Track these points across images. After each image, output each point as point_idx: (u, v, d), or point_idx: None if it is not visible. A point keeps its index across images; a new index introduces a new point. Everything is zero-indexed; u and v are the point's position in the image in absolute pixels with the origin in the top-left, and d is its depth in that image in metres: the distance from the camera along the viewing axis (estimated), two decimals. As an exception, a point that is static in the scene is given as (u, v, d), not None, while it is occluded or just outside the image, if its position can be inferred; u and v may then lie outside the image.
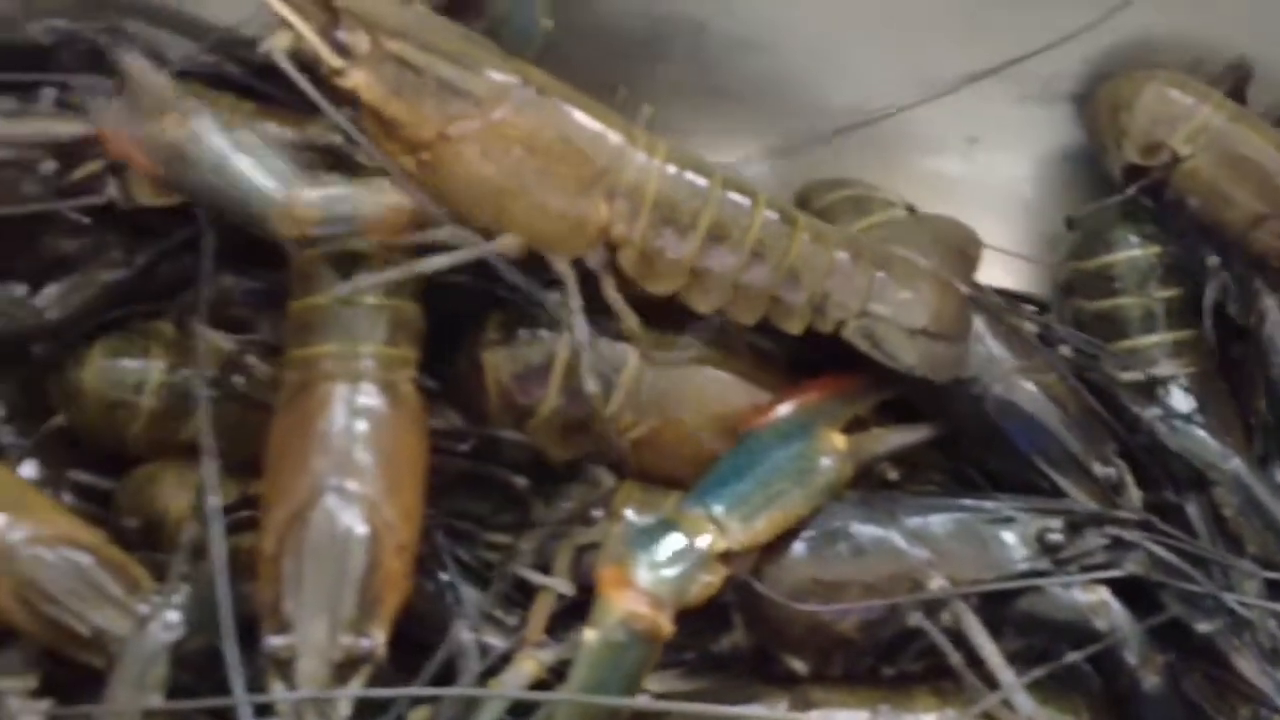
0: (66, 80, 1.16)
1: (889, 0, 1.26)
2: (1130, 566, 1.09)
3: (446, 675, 1.07)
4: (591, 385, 1.12)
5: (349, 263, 1.08)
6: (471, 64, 1.07)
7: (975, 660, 1.07)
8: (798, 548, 1.10)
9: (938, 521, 1.11)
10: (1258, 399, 1.23)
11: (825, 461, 1.11)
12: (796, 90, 1.30)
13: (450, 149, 1.06)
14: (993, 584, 1.08)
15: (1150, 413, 1.19)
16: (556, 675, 1.05)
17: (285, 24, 1.05)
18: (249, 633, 0.97)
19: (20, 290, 1.15)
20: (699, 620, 1.06)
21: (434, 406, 1.13)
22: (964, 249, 1.19)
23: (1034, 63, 1.28)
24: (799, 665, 1.11)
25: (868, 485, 1.16)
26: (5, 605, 1.04)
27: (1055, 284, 1.31)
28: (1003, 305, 1.20)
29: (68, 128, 1.11)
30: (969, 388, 1.16)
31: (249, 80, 1.19)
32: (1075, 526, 1.10)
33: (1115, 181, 1.29)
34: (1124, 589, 1.10)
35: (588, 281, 1.11)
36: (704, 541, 1.04)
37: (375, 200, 1.06)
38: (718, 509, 1.06)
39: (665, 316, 1.16)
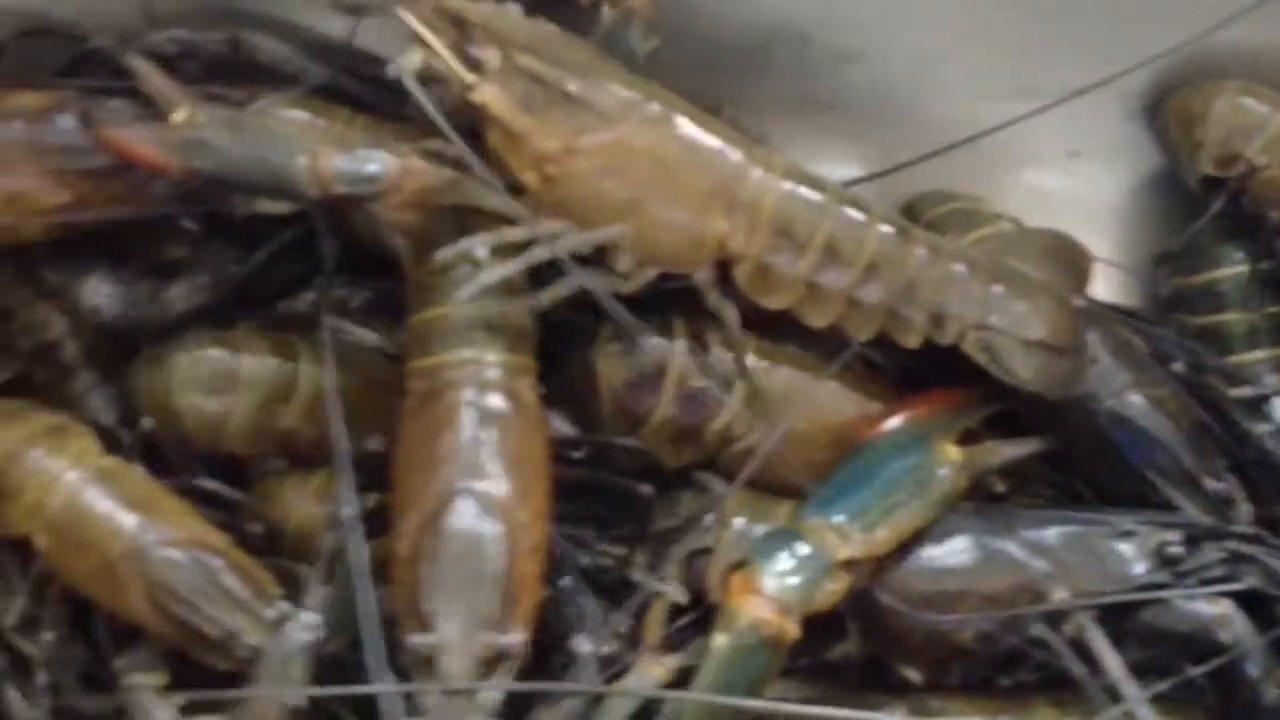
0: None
1: (992, 13, 1.28)
2: (1251, 580, 1.11)
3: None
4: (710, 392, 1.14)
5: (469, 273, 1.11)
6: (599, 79, 1.11)
7: (1095, 672, 1.09)
8: (916, 558, 1.13)
9: (1054, 534, 1.14)
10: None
11: (942, 473, 1.14)
12: (898, 102, 1.32)
13: (576, 162, 1.09)
14: (1118, 595, 1.10)
15: (1260, 427, 1.21)
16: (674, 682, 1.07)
17: (419, 41, 1.09)
18: (387, 634, 1.00)
19: (145, 286, 1.18)
20: (812, 628, 1.08)
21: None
22: (1075, 262, 1.21)
23: (1136, 77, 1.30)
24: (913, 674, 1.14)
25: (976, 497, 1.19)
26: (136, 606, 1.07)
27: (1157, 299, 1.33)
28: (1118, 318, 1.23)
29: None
30: (1082, 401, 1.18)
31: (365, 94, 1.21)
32: (1193, 540, 1.13)
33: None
34: (1240, 603, 1.12)
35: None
36: (829, 550, 1.08)
37: (395, 160, 1.08)
38: (839, 518, 1.09)
39: (773, 329, 1.19)
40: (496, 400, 1.08)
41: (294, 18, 1.23)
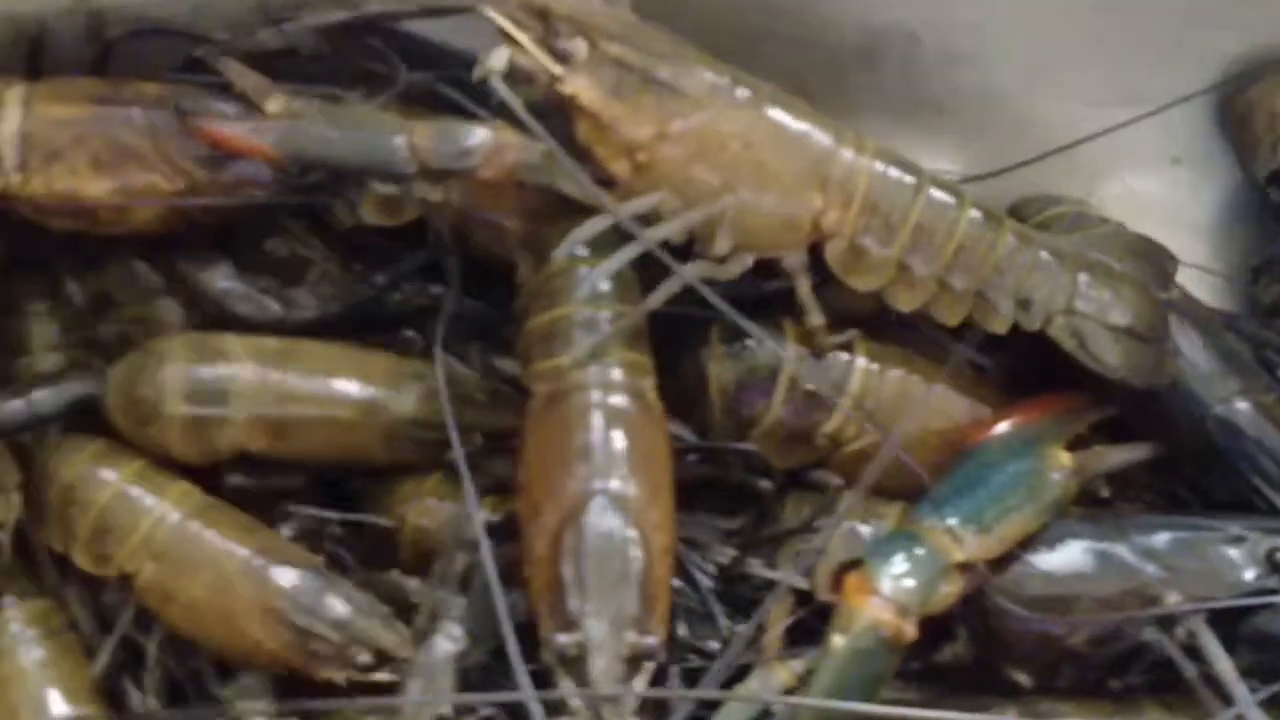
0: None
1: (1099, 18, 1.31)
2: (1364, 588, 1.14)
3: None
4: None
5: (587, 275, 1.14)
6: (685, 63, 1.13)
7: (1206, 676, 1.12)
8: (1029, 562, 1.16)
9: (1164, 539, 1.17)
10: None
11: (1055, 477, 1.17)
12: (1004, 105, 1.36)
13: (668, 149, 1.12)
14: (1231, 600, 1.13)
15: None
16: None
17: (505, 38, 1.11)
18: (526, 638, 1.03)
19: (271, 285, 1.22)
20: (921, 630, 1.11)
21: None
22: (1159, 261, 1.25)
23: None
24: (1023, 677, 1.16)
25: (1083, 502, 1.22)
26: (247, 623, 1.11)
27: (1259, 306, 1.36)
28: (1223, 324, 1.26)
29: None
30: (1190, 408, 1.21)
31: (459, 98, 1.23)
32: (1303, 547, 1.16)
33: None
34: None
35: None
36: (945, 552, 1.11)
37: (490, 134, 1.11)
38: (954, 521, 1.12)
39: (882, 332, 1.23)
40: (622, 401, 1.11)
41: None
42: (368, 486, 1.25)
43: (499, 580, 1.04)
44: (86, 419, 1.19)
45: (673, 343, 1.21)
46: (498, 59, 1.11)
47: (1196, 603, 1.14)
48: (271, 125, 1.12)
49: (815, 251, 1.17)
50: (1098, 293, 1.19)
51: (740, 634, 1.12)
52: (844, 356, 1.21)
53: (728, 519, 1.22)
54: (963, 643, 1.18)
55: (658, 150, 1.12)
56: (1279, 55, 1.33)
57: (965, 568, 1.12)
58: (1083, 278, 1.19)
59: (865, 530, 1.20)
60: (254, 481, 1.20)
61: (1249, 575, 1.15)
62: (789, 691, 1.10)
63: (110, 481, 1.15)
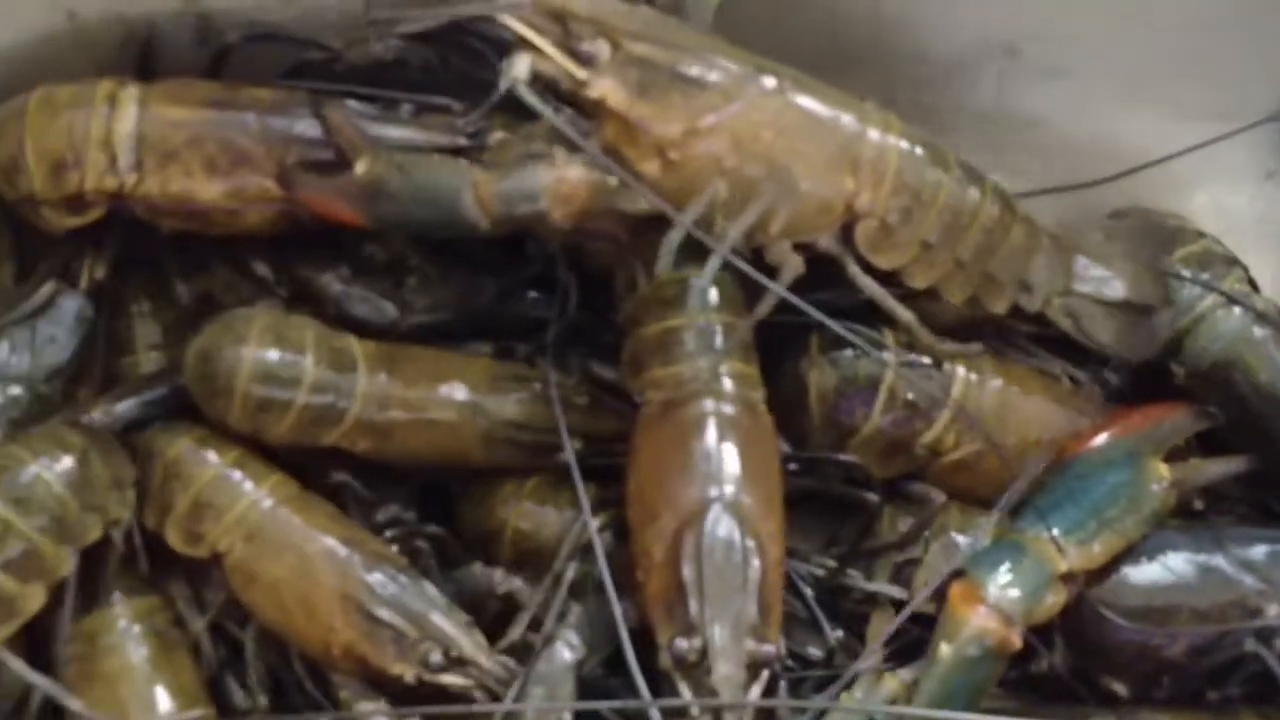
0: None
1: (1196, 35, 1.34)
2: None
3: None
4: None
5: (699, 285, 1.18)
6: (710, 55, 1.15)
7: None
8: (1128, 573, 1.19)
9: (1261, 551, 1.21)
10: None
11: (1154, 489, 1.20)
12: (1098, 117, 1.38)
13: (699, 143, 1.13)
14: (1332, 613, 1.16)
15: None
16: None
17: (525, 45, 1.12)
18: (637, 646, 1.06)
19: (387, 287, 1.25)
20: (1018, 640, 1.15)
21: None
22: (1156, 231, 1.32)
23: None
24: (1120, 688, 1.20)
25: (1177, 514, 1.25)
26: (326, 610, 1.14)
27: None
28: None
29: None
30: (1285, 421, 1.25)
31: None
32: (1400, 560, 1.19)
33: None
34: None
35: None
36: (1050, 562, 1.14)
37: (551, 172, 1.12)
38: (1057, 531, 1.16)
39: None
40: (735, 411, 1.14)
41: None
42: (465, 487, 1.28)
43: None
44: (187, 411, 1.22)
45: (770, 352, 1.23)
46: (520, 67, 1.11)
47: (1299, 614, 1.17)
48: (360, 190, 1.15)
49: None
50: (1094, 271, 1.25)
51: (843, 644, 1.15)
52: (945, 367, 1.24)
53: (822, 530, 1.25)
54: (1060, 652, 1.21)
55: (690, 147, 1.13)
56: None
57: (1068, 578, 1.15)
58: (1080, 259, 1.24)
59: (963, 541, 1.23)
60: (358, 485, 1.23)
61: (1346, 588, 1.18)
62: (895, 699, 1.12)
63: (212, 463, 1.19)
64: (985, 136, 1.37)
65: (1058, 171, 1.39)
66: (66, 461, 1.13)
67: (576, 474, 1.14)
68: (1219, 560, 1.20)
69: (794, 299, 1.15)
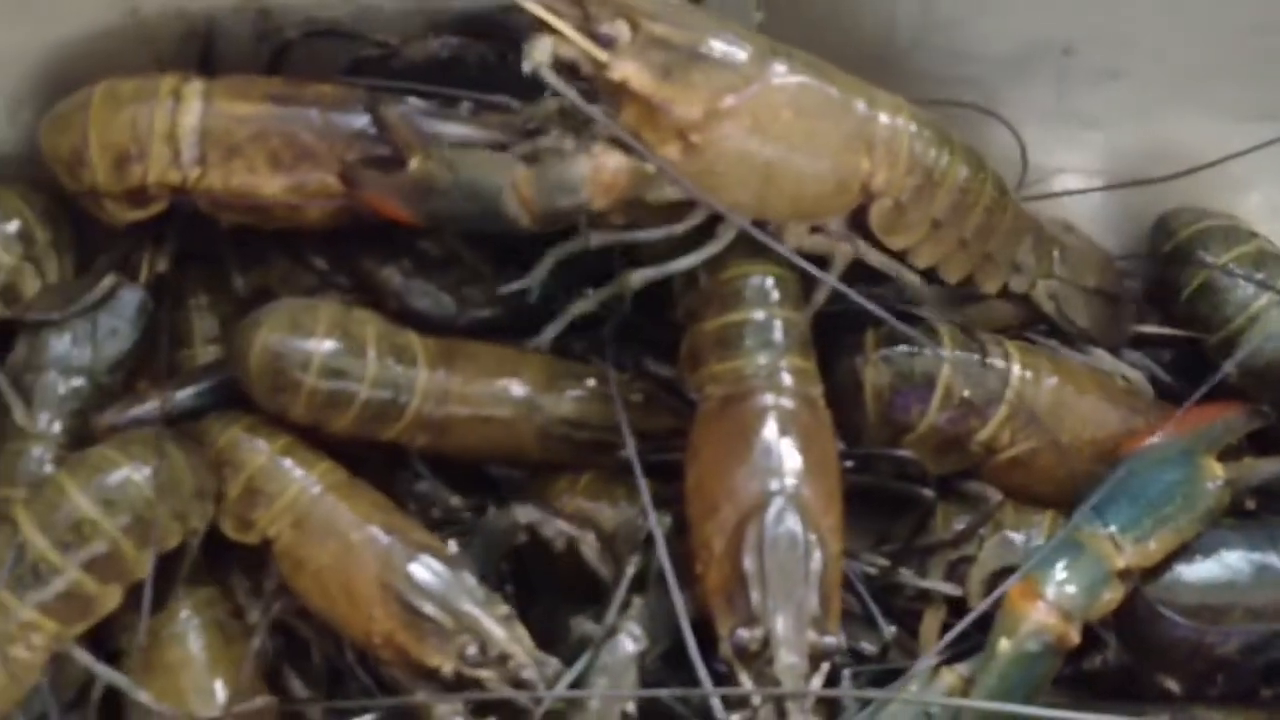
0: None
1: (1253, 36, 1.36)
2: None
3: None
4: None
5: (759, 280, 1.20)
6: (729, 34, 1.15)
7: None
8: (1182, 571, 1.21)
9: (1315, 550, 1.22)
10: None
11: (1210, 487, 1.23)
12: (1154, 117, 1.40)
13: (721, 124, 1.13)
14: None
15: None
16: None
17: (544, 28, 1.12)
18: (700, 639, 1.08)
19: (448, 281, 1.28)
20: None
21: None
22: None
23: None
24: (1174, 685, 1.22)
25: (1228, 513, 1.27)
26: (367, 595, 1.16)
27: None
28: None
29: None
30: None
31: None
32: None
33: None
34: None
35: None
36: (1107, 559, 1.17)
37: (588, 160, 1.13)
38: (1114, 528, 1.18)
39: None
40: (796, 405, 1.16)
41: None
42: (519, 481, 1.31)
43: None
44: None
45: (825, 348, 1.26)
46: (541, 50, 1.11)
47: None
48: (411, 187, 1.16)
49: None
50: (1070, 258, 1.31)
51: (899, 638, 1.18)
52: (999, 364, 1.26)
53: (873, 527, 1.28)
54: (1114, 649, 1.23)
55: (710, 129, 1.13)
56: None
57: (1124, 575, 1.17)
58: (1055, 251, 1.30)
59: (1018, 538, 1.25)
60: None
61: (1399, 588, 1.20)
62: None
63: (263, 450, 1.21)
64: (1042, 134, 1.40)
65: (1113, 172, 1.42)
66: (157, 467, 1.16)
67: (639, 471, 1.16)
68: (1273, 558, 1.22)
69: (850, 292, 1.17)
